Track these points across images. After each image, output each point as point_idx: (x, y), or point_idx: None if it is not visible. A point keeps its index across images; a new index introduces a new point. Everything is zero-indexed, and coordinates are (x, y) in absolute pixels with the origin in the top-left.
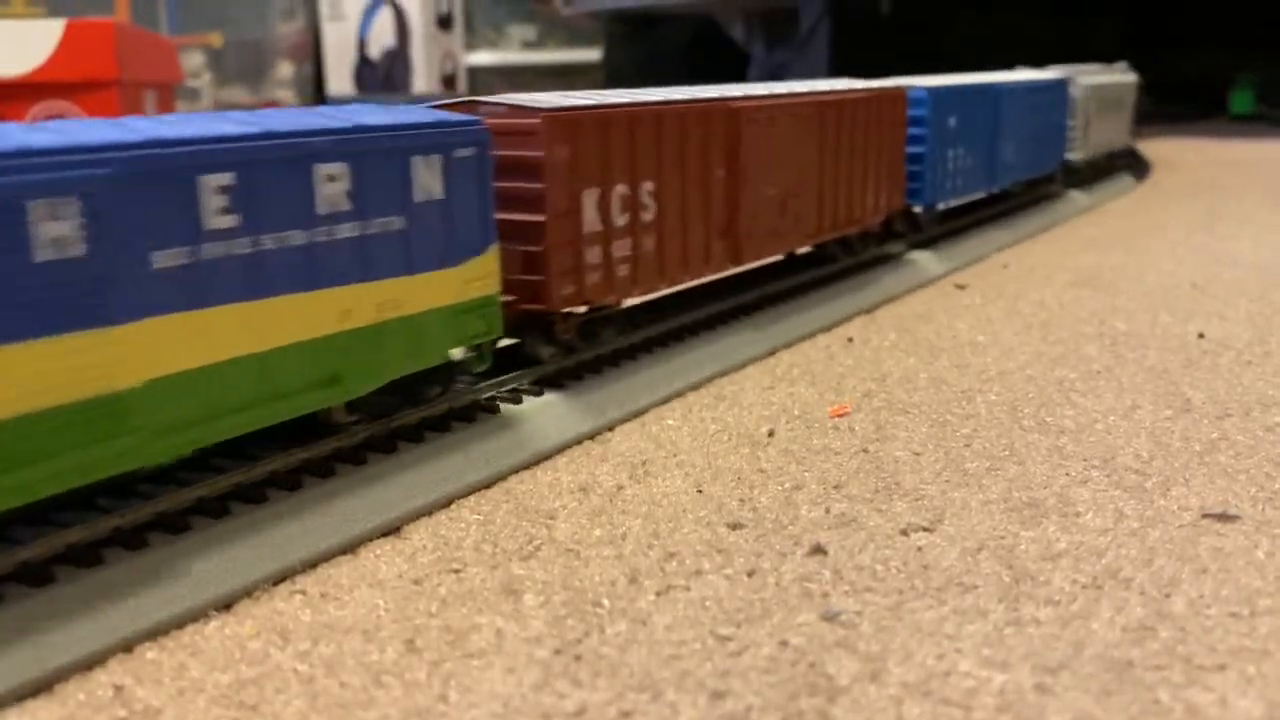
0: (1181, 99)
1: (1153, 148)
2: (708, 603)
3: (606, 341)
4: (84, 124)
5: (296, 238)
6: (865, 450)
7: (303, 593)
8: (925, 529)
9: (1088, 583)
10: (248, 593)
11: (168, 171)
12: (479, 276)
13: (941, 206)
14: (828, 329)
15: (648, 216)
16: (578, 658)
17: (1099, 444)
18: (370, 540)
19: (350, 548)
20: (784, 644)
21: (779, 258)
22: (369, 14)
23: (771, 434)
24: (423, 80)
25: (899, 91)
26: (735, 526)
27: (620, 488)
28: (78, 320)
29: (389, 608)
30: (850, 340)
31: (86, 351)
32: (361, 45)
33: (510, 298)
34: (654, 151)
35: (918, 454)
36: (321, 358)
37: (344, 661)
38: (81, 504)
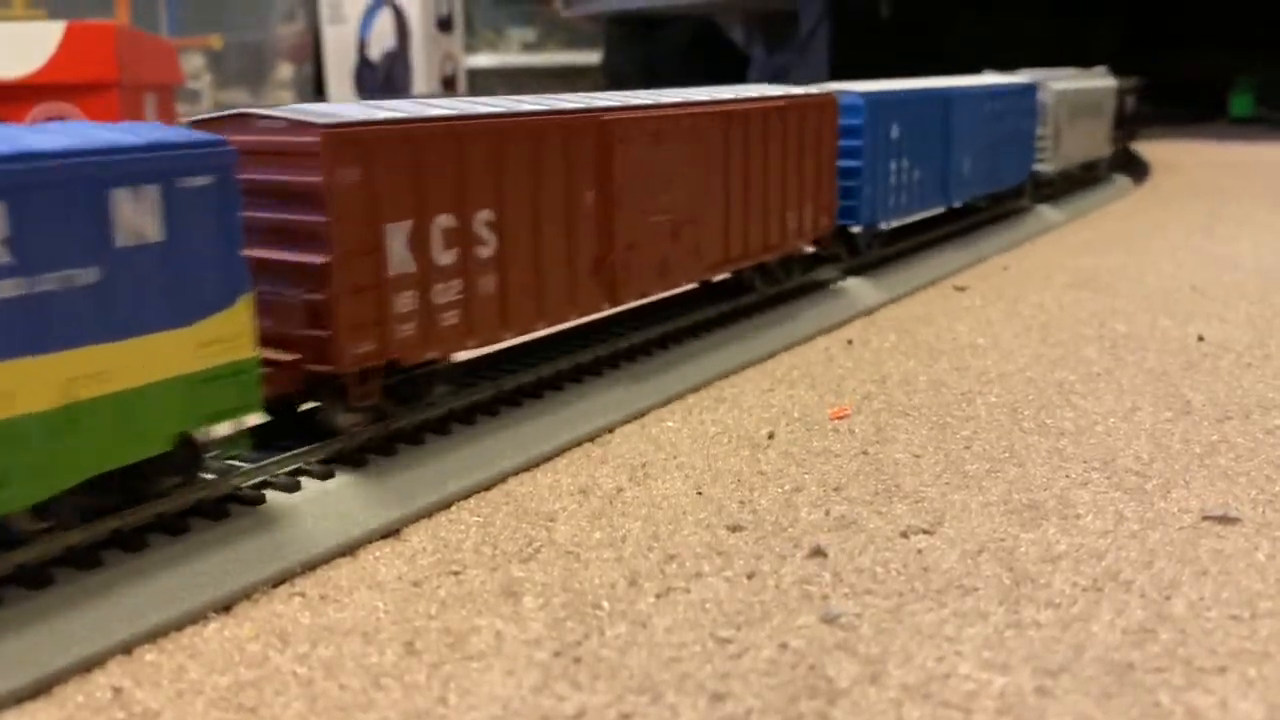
0: (1181, 101)
1: (1152, 150)
2: (707, 605)
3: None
4: None
5: None
6: (865, 452)
7: (302, 595)
8: (925, 531)
9: (1088, 585)
10: (247, 595)
11: None
12: (224, 337)
13: (886, 226)
14: (827, 331)
15: (485, 252)
16: (577, 660)
17: (1099, 446)
18: (369, 542)
19: (349, 550)
20: (784, 646)
21: (685, 289)
22: (369, 16)
23: (771, 436)
24: (423, 82)
25: (827, 99)
26: (735, 529)
27: (620, 490)
28: None
29: (388, 610)
30: (850, 342)
31: None
32: (362, 47)
33: (292, 356)
34: (494, 174)
35: (918, 456)
36: None
37: (343, 664)
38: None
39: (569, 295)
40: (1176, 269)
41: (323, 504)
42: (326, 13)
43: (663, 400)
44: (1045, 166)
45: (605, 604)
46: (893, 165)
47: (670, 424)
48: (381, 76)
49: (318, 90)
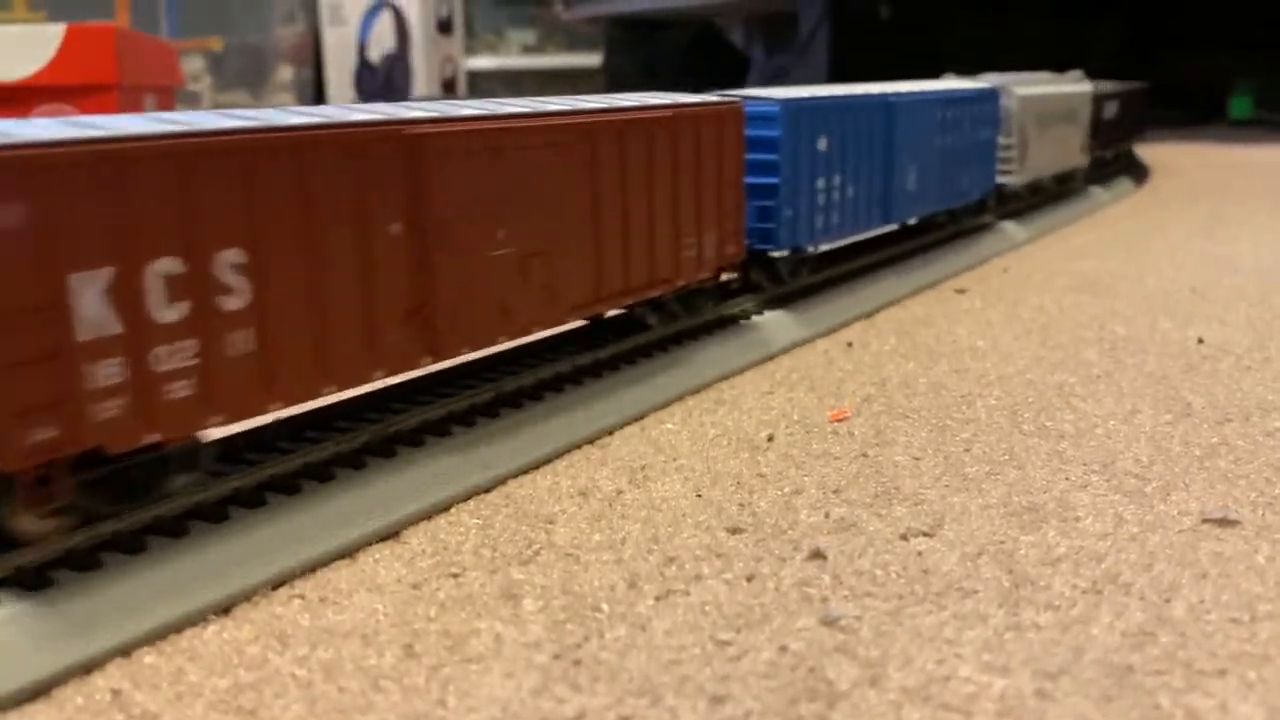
0: (1181, 104)
1: (1152, 152)
2: (707, 607)
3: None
4: None
5: None
6: (865, 455)
7: (301, 597)
8: (925, 534)
9: (1088, 588)
10: (246, 597)
11: None
12: None
13: (814, 250)
14: (826, 334)
15: (234, 303)
16: (577, 662)
17: (1099, 449)
18: (369, 545)
19: (349, 552)
20: (783, 649)
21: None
22: (369, 18)
23: (771, 439)
24: (423, 84)
25: (728, 108)
26: (735, 531)
27: (620, 492)
28: None
29: (388, 612)
30: (850, 345)
31: None
32: (361, 49)
33: None
34: (242, 203)
35: (917, 459)
36: None
37: (342, 666)
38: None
39: (369, 350)
40: (1176, 271)
41: None
42: (326, 15)
43: (662, 402)
44: (1010, 179)
45: (605, 606)
46: (821, 182)
47: (670, 426)
48: (381, 79)
49: (318, 93)
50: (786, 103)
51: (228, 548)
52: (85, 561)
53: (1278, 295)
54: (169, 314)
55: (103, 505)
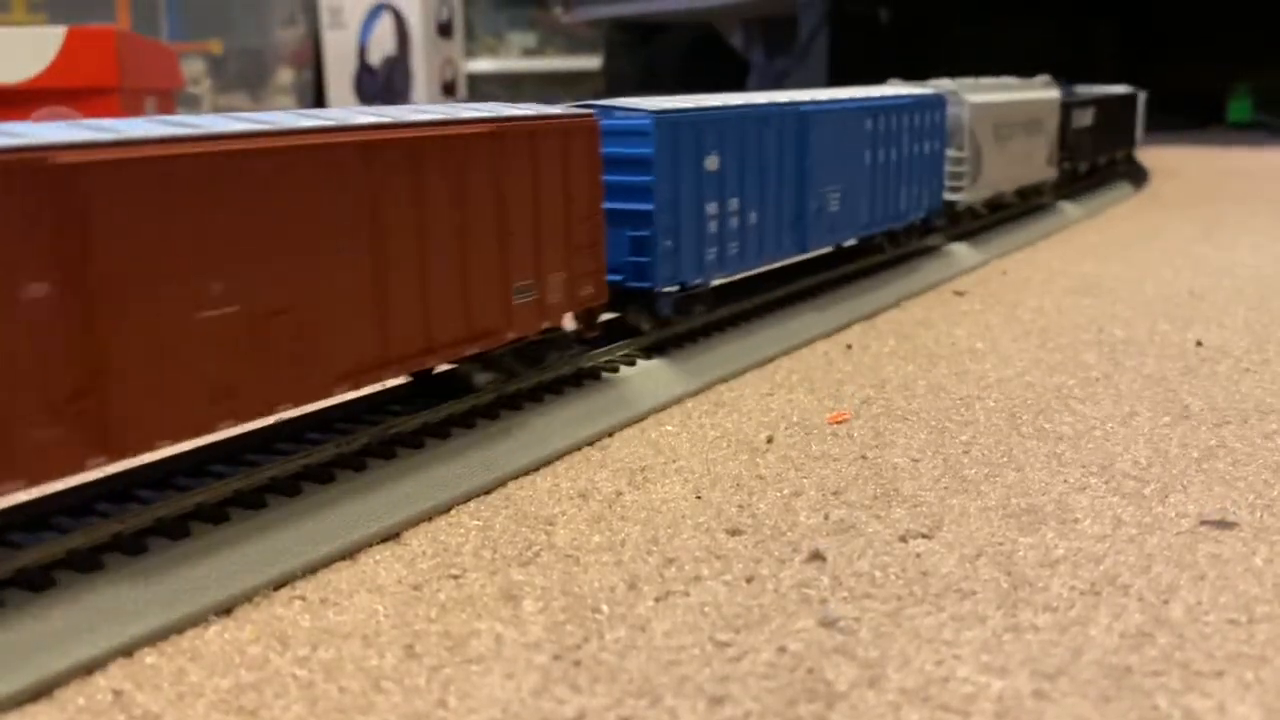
0: (1180, 108)
1: (1151, 156)
2: (706, 608)
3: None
4: None
5: None
6: (864, 457)
7: (302, 598)
8: (924, 535)
9: (1086, 589)
10: (247, 598)
11: None
12: None
13: (704, 285)
14: (826, 335)
15: None
16: (577, 663)
17: (1097, 451)
18: (370, 546)
19: (350, 553)
20: (783, 650)
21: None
22: (369, 21)
23: (770, 440)
24: (423, 87)
25: (579, 121)
26: (734, 533)
27: (619, 494)
28: None
29: (388, 613)
30: (849, 347)
31: None
32: (362, 52)
33: None
34: None
35: (916, 461)
36: None
37: (343, 666)
38: (81, 509)
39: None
40: (1175, 274)
41: None
42: (327, 18)
43: (662, 404)
44: (961, 196)
45: (605, 607)
46: (712, 206)
47: (669, 428)
48: (382, 82)
49: (318, 95)
50: (661, 115)
51: (229, 548)
52: (86, 562)
53: (1276, 298)
54: None
55: None
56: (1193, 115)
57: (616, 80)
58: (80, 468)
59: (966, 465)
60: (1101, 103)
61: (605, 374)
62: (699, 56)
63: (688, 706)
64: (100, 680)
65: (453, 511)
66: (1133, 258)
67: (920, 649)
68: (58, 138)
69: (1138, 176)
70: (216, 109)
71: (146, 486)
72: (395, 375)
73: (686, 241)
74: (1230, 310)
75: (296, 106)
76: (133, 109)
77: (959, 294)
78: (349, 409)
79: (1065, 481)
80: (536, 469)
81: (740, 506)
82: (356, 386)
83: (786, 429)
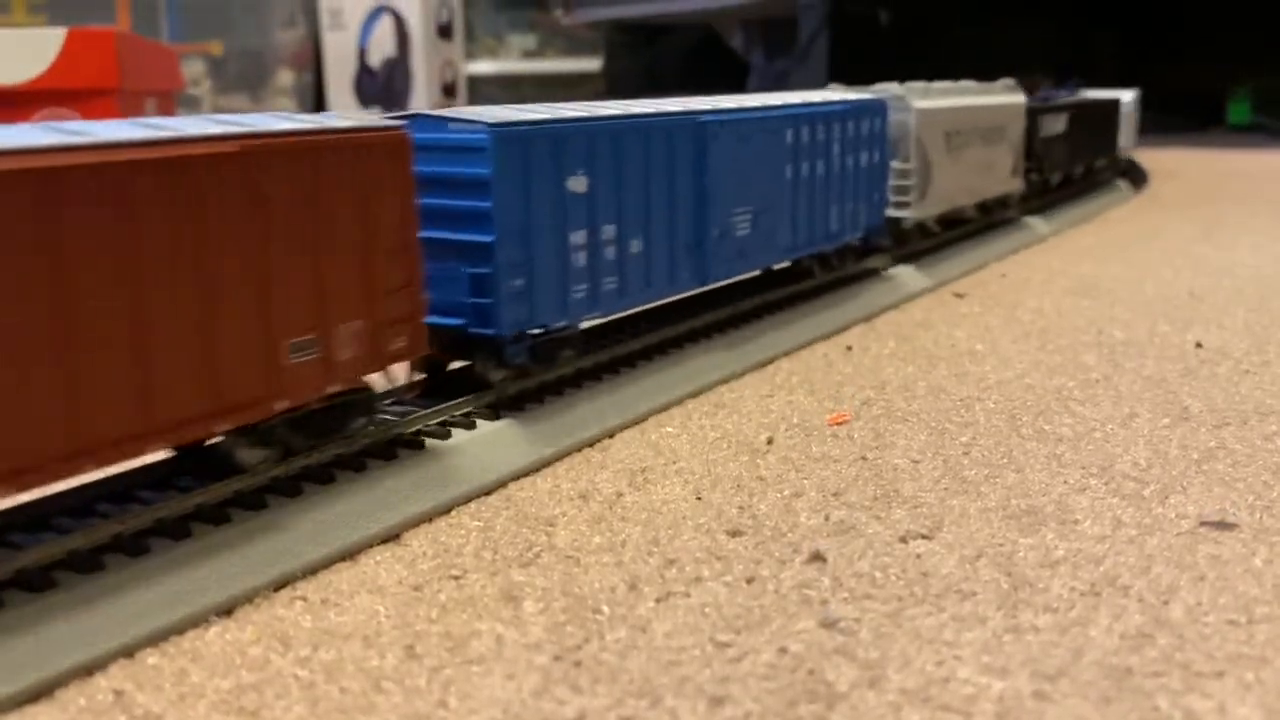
0: (1179, 109)
1: (1151, 158)
2: (707, 609)
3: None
4: None
5: None
6: (864, 458)
7: (303, 599)
8: (924, 536)
9: (1086, 590)
10: (248, 599)
11: None
12: None
13: (573, 327)
14: (827, 337)
15: None
16: (577, 664)
17: (1097, 452)
18: (371, 547)
19: (350, 554)
20: (783, 651)
21: None
22: (369, 23)
23: (770, 442)
24: (423, 89)
25: (382, 137)
26: (734, 533)
27: (620, 495)
28: None
29: (389, 614)
30: (849, 348)
31: None
32: (362, 54)
33: None
34: None
35: (916, 462)
36: None
37: (344, 667)
38: (82, 510)
39: None
40: (1175, 275)
41: None
42: (327, 19)
43: (662, 405)
44: (909, 212)
45: (605, 608)
46: (579, 235)
47: (670, 429)
48: (382, 83)
49: (318, 97)
50: (502, 128)
51: (229, 549)
52: (87, 563)
53: (1276, 300)
54: None
55: None
56: (1192, 116)
57: (616, 82)
58: None
59: (966, 466)
60: (1076, 108)
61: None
62: (699, 58)
63: (688, 707)
64: (101, 681)
65: (453, 512)
66: (1132, 259)
67: (921, 650)
68: None
69: (1137, 178)
70: (217, 110)
71: (147, 487)
72: (96, 467)
73: (543, 278)
74: (1230, 312)
75: (297, 108)
76: (133, 110)
77: (959, 296)
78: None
79: (1065, 483)
80: (537, 470)
81: (741, 508)
82: (24, 487)
83: (787, 430)
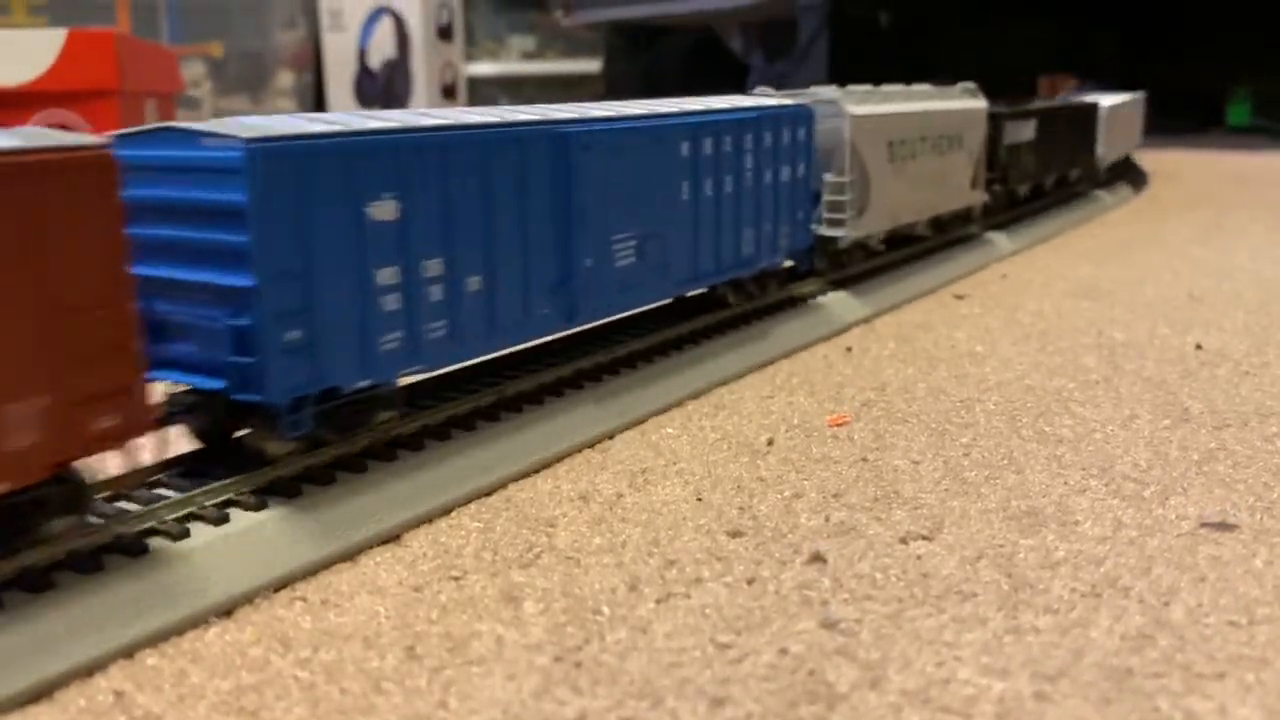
0: (1179, 109)
1: (1151, 159)
2: (707, 610)
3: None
4: None
5: None
6: (864, 459)
7: (303, 599)
8: (924, 537)
9: (1086, 591)
10: (248, 599)
11: None
12: None
13: (384, 387)
14: (826, 338)
15: None
16: (578, 665)
17: (1097, 453)
18: (371, 547)
19: (351, 555)
20: (784, 651)
21: None
22: (369, 24)
23: (771, 443)
24: (423, 91)
25: (70, 158)
26: (735, 534)
27: (620, 496)
28: None
29: (389, 615)
30: (849, 350)
31: None
32: (362, 55)
33: None
34: None
35: (917, 463)
36: None
37: (344, 668)
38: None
39: None
40: (1174, 277)
41: None
42: (327, 21)
43: (663, 407)
44: (844, 231)
45: (605, 609)
46: (388, 272)
47: (670, 430)
48: (382, 85)
49: (318, 99)
50: (264, 143)
51: (229, 550)
52: (87, 563)
53: (1275, 301)
54: None
55: None
56: (1192, 117)
57: (616, 83)
58: None
59: (967, 467)
60: (1047, 114)
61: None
62: (699, 60)
63: (689, 708)
64: (101, 681)
65: (453, 513)
66: (1132, 261)
67: (921, 651)
68: None
69: (1137, 180)
70: (217, 112)
71: (147, 487)
72: None
73: (334, 328)
74: (1230, 313)
75: (297, 109)
76: (133, 112)
77: (959, 297)
78: None
79: (1066, 484)
80: (537, 470)
81: (741, 508)
82: None
83: (787, 431)
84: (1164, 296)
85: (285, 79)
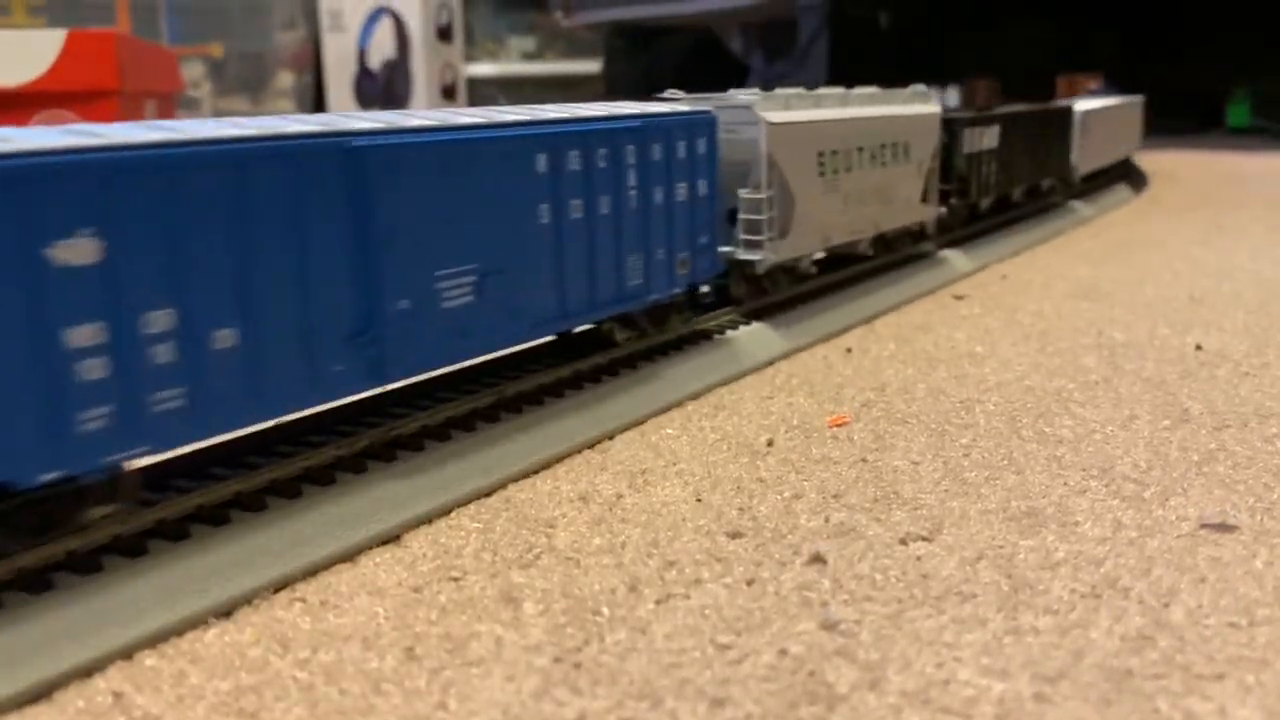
0: (1179, 110)
1: (1151, 160)
2: (707, 611)
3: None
4: None
5: None
6: (864, 460)
7: (302, 600)
8: (924, 538)
9: (1086, 592)
10: (248, 600)
11: None
12: None
13: (97, 471)
14: (826, 339)
15: None
16: (577, 666)
17: (1097, 454)
18: (370, 548)
19: (350, 556)
20: (783, 652)
21: None
22: (369, 25)
23: (771, 443)
24: (423, 91)
25: None
26: (735, 535)
27: (620, 496)
28: None
29: (389, 615)
30: (849, 350)
31: None
32: (362, 56)
33: None
34: None
35: (916, 463)
36: None
37: (344, 669)
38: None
39: None
40: (1174, 278)
41: None
42: (327, 21)
43: (662, 407)
44: (763, 255)
45: (605, 610)
46: (85, 331)
47: (670, 431)
48: (381, 85)
49: (318, 99)
50: None
51: (229, 551)
52: (86, 564)
53: (1275, 302)
54: None
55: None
56: (1192, 117)
57: (616, 84)
58: None
59: (967, 468)
60: (1011, 119)
61: None
62: (698, 60)
63: (688, 709)
64: (100, 682)
65: (453, 514)
66: (1132, 261)
67: (921, 651)
68: None
69: (1137, 180)
70: (217, 112)
71: (146, 489)
72: None
73: (18, 402)
74: (1230, 314)
75: (296, 110)
76: (133, 112)
77: (958, 298)
78: (347, 412)
79: (1065, 484)
80: (537, 471)
81: (741, 509)
82: None
83: (787, 432)
84: (1164, 297)
85: (285, 79)
